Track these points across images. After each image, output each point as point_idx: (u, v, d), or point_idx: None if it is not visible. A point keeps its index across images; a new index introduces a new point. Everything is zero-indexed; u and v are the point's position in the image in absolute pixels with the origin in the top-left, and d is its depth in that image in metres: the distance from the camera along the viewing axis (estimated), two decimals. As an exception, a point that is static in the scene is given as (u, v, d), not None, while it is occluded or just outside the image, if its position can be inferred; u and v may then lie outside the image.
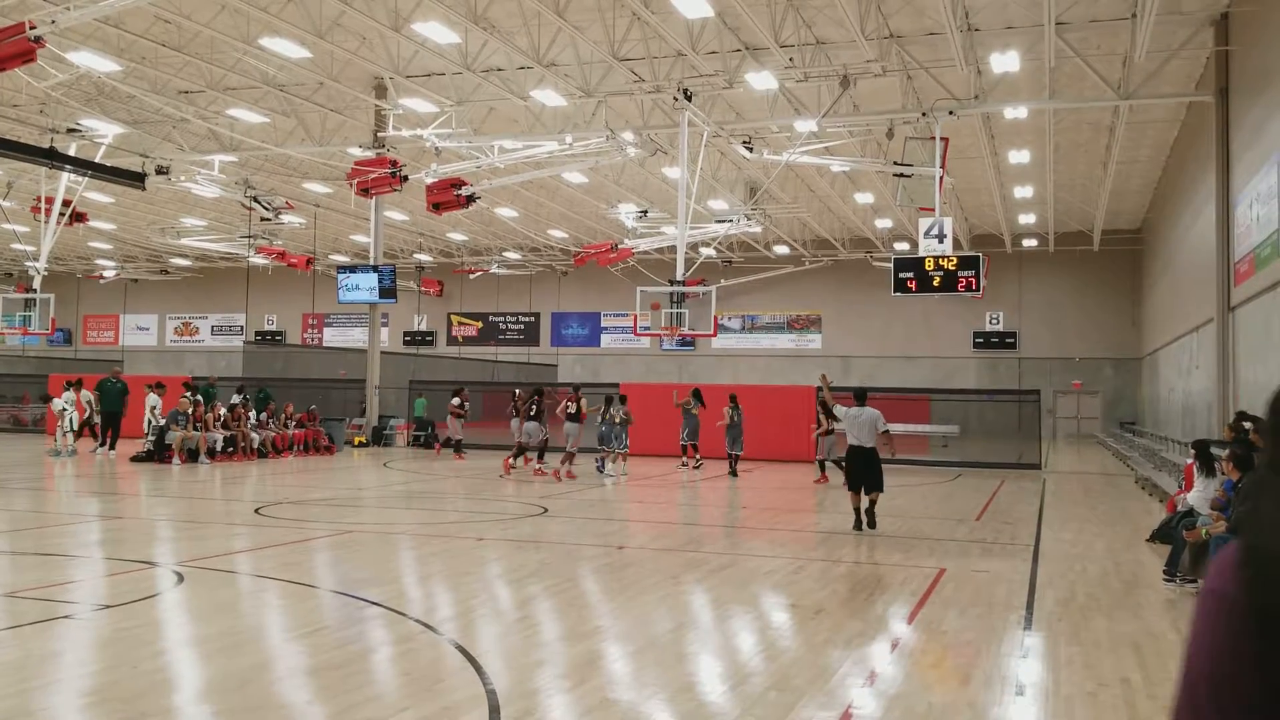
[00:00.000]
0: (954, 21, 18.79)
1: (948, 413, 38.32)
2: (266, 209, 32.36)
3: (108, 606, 8.01)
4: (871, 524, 12.95)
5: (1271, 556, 1.19)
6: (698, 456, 22.67)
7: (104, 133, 26.95)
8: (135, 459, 21.92)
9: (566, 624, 7.83)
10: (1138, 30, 18.85)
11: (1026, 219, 39.50)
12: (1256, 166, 17.61)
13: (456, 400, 25.61)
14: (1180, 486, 11.69)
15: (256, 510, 14.01)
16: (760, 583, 9.51)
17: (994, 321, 44.95)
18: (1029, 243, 43.04)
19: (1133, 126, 26.56)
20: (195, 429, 22.18)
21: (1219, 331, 20.40)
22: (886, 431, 13.33)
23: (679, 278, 23.43)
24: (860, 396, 13.55)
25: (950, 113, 22.24)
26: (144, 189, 28.60)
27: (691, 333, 24.44)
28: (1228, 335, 20.14)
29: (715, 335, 37.49)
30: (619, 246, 35.38)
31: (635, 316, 24.33)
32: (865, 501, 13.04)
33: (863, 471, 13.00)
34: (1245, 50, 18.93)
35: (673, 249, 24.53)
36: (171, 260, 53.05)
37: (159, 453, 21.82)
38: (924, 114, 22.44)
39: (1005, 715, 5.68)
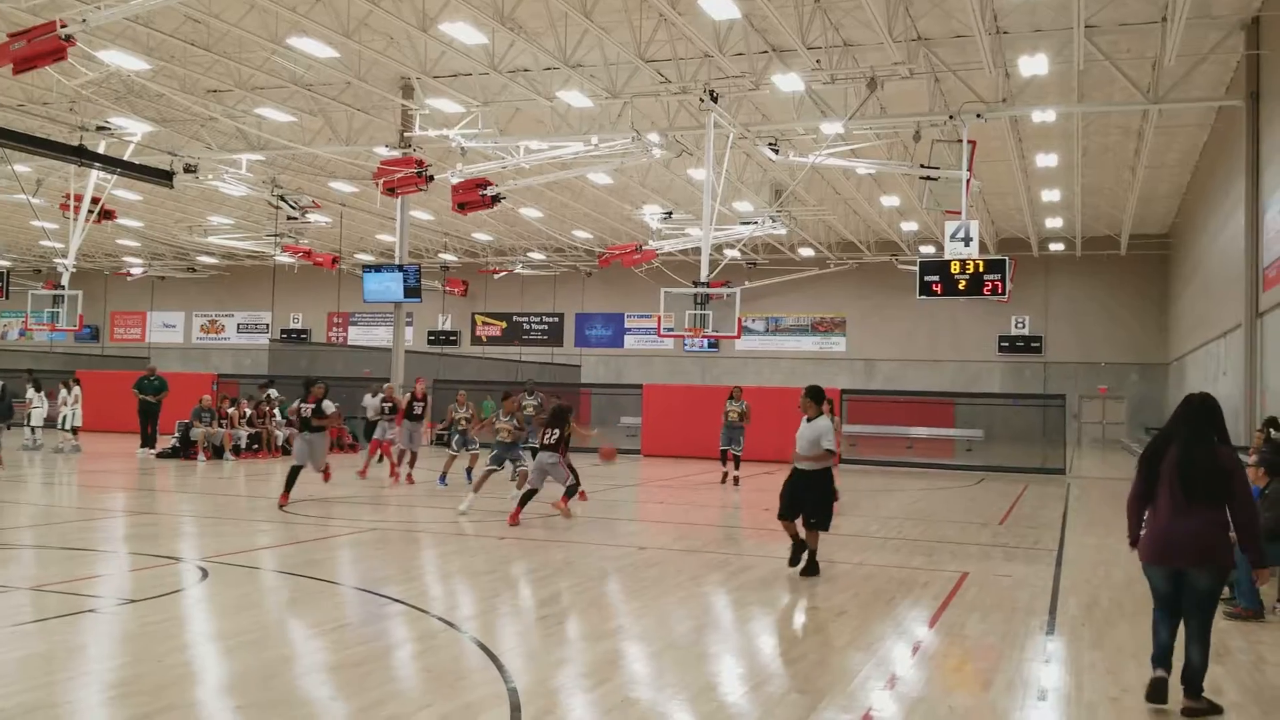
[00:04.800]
0: (982, 24, 18.70)
1: (972, 417, 38.17)
2: (293, 208, 32.56)
3: (132, 601, 8.09)
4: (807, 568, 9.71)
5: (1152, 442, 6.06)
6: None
7: (133, 131, 27.21)
8: (161, 455, 22.12)
9: (587, 623, 7.85)
10: (1168, 34, 18.69)
11: (1053, 223, 39.24)
12: (1288, 171, 17.45)
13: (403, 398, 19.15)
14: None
15: (280, 507, 14.10)
16: (782, 584, 9.49)
17: (1020, 325, 44.68)
18: (1056, 246, 42.76)
19: (1162, 130, 26.34)
20: (220, 425, 22.37)
21: (1247, 337, 20.21)
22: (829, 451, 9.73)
23: (703, 279, 23.43)
24: (818, 397, 9.80)
25: (978, 115, 22.11)
26: (172, 187, 28.84)
27: (715, 334, 24.41)
28: (1256, 341, 19.95)
29: (739, 337, 37.53)
30: (643, 248, 35.40)
31: (659, 318, 24.28)
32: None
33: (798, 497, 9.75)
34: (1276, 54, 18.75)
35: (697, 251, 24.51)
36: (198, 258, 53.51)
37: (184, 449, 22.00)
38: (951, 117, 22.31)
39: (1027, 721, 5.65)
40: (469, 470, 17.31)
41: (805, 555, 9.70)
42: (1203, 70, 21.50)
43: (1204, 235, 29.13)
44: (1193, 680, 5.69)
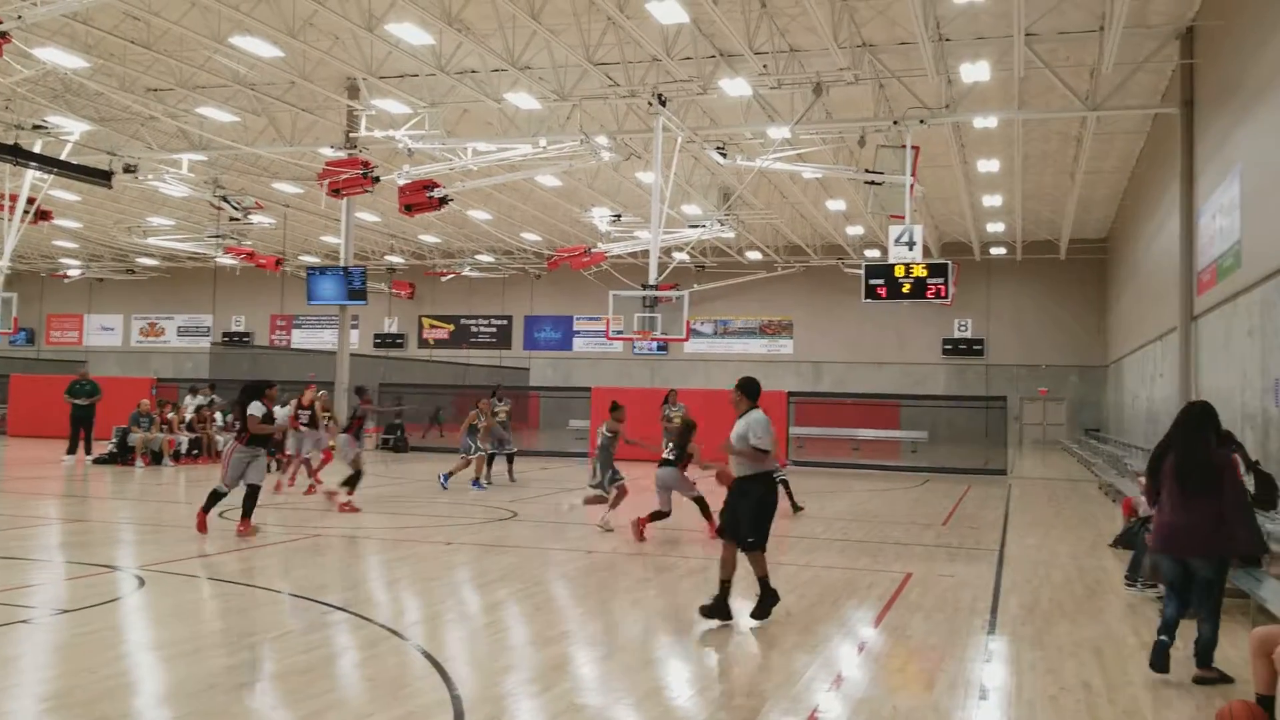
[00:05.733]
0: (925, 31, 18.93)
1: (917, 418, 38.61)
2: (235, 209, 32.07)
3: (67, 611, 7.92)
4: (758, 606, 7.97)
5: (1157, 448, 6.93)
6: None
7: (70, 130, 26.64)
8: (98, 461, 21.66)
9: (534, 628, 7.81)
10: (1105, 42, 19.08)
11: (995, 227, 39.85)
12: (1220, 178, 17.85)
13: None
14: (1142, 491, 11.82)
15: (220, 514, 13.87)
16: (728, 588, 9.52)
17: (962, 329, 45.32)
18: (997, 251, 43.44)
19: (1100, 137, 26.86)
20: (160, 431, 21.97)
21: (1182, 340, 20.64)
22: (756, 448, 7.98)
23: (652, 282, 23.42)
24: (750, 391, 8.32)
25: (921, 121, 22.38)
26: (110, 187, 28.28)
27: (664, 337, 24.40)
28: (1190, 344, 20.37)
29: (687, 340, 37.57)
30: (592, 250, 35.36)
31: (608, 320, 24.22)
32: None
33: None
34: (1210, 63, 19.19)
35: (646, 253, 24.53)
36: (138, 260, 52.50)
37: (122, 455, 21.58)
38: (895, 122, 22.59)
39: (968, 719, 5.73)
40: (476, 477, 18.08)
41: (758, 592, 7.98)
42: (1139, 79, 21.95)
43: (1140, 240, 29.73)
44: (1202, 652, 6.44)
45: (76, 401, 22.63)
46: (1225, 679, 6.36)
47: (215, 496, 11.89)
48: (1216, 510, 6.34)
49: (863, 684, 6.45)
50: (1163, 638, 6.46)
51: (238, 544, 11.31)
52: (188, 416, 23.31)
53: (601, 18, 20.25)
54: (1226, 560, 6.54)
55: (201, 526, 11.82)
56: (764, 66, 21.19)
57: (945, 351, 45.49)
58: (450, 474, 17.95)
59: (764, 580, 7.97)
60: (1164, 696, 6.15)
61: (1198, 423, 6.65)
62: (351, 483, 14.45)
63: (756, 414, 8.12)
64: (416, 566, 10.45)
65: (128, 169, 28.51)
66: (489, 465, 19.36)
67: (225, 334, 53.29)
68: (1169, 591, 6.66)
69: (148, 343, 56.73)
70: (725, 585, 7.91)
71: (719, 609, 7.82)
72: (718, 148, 25.53)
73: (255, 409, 11.92)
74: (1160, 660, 6.43)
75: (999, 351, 44.97)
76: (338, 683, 6.20)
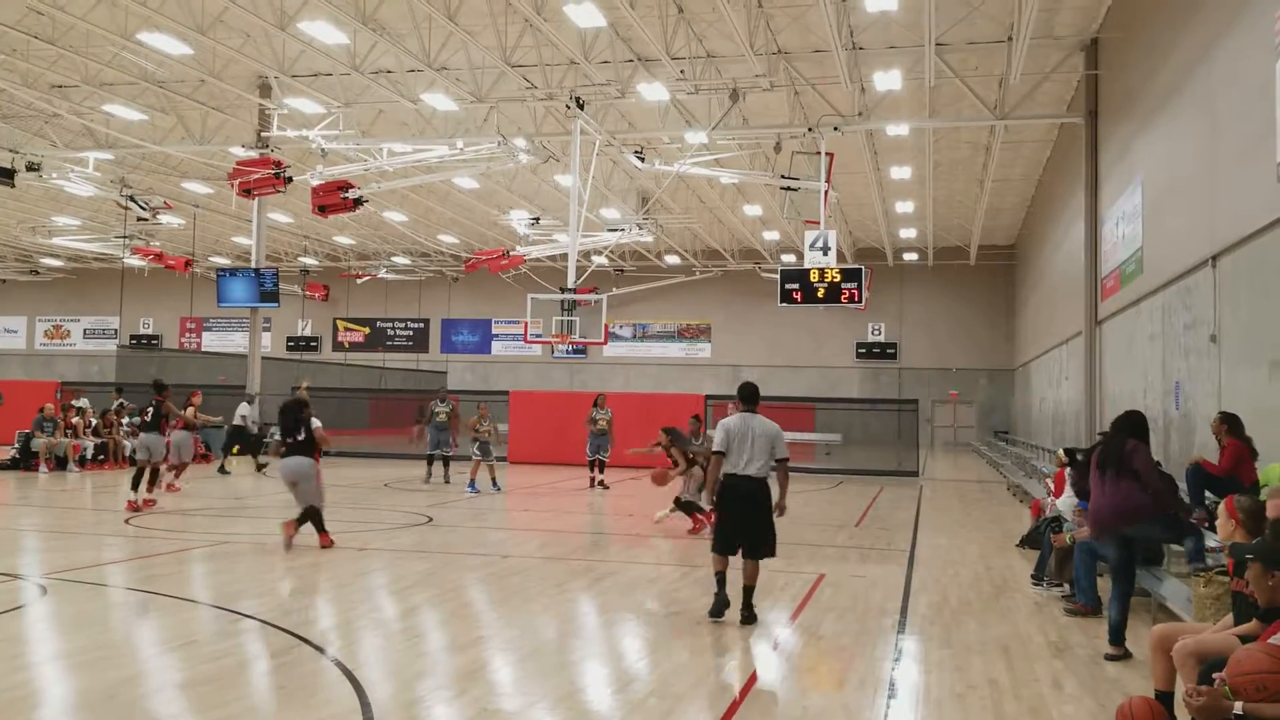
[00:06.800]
0: (839, 39, 19.26)
1: (831, 421, 39.21)
2: (143, 208, 31.25)
3: (-38, 622, 7.64)
4: (748, 613, 7.98)
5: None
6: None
7: (-32, 126, 25.73)
8: (-1, 467, 20.94)
9: (449, 634, 7.76)
10: (1013, 53, 19.63)
11: (907, 233, 40.66)
12: (1122, 186, 18.45)
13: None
14: (1048, 493, 12.17)
15: (127, 520, 13.51)
16: (645, 590, 9.57)
17: (876, 333, 46.15)
18: (909, 256, 44.34)
19: (1008, 146, 27.59)
20: (65, 436, 21.30)
21: (1087, 344, 21.28)
22: (785, 460, 8.49)
23: (570, 285, 23.40)
24: (749, 397, 8.45)
25: (835, 128, 22.77)
26: (13, 185, 27.35)
27: (582, 341, 24.41)
28: (1095, 348, 21.03)
29: (606, 343, 37.61)
30: (510, 253, 35.23)
31: (526, 324, 24.15)
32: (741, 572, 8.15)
33: (744, 519, 8.18)
34: (1113, 74, 19.83)
35: (564, 256, 24.51)
36: (42, 260, 50.80)
37: (25, 460, 20.87)
38: (810, 129, 22.94)
39: (877, 718, 5.83)
40: (492, 479, 18.95)
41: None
42: (1045, 88, 22.61)
43: (1047, 246, 30.58)
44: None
45: None
46: (1127, 654, 7.08)
47: (313, 515, 11.58)
48: (1133, 487, 7.24)
49: (775, 684, 6.54)
50: (1117, 650, 7.14)
51: (146, 551, 11.03)
52: (93, 421, 22.62)
53: (519, 19, 20.19)
54: (1157, 522, 7.33)
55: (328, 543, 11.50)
56: (681, 72, 21.34)
57: (859, 355, 46.28)
58: (493, 481, 18.95)
59: (717, 576, 8.20)
60: (1067, 693, 6.33)
61: (1125, 424, 7.62)
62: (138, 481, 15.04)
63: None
64: (329, 573, 10.28)
65: (31, 167, 27.61)
66: (428, 466, 20.46)
67: (133, 336, 51.84)
68: (1116, 589, 7.27)
69: (53, 345, 54.97)
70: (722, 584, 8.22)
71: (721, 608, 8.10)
72: (636, 152, 25.63)
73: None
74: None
75: (911, 355, 45.87)
76: (246, 691, 6.08)
